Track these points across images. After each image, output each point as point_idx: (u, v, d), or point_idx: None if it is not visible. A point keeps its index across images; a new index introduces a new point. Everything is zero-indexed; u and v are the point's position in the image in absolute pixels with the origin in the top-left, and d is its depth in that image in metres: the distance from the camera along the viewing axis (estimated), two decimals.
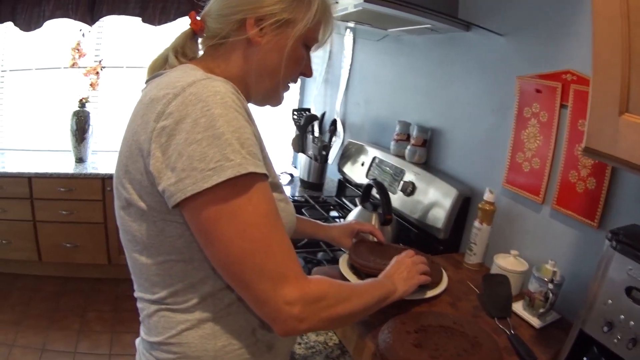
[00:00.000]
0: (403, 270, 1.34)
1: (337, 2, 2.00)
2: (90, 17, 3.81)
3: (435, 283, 1.50)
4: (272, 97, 1.17)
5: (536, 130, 1.62)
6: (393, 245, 1.70)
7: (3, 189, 3.68)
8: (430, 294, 1.46)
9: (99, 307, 3.63)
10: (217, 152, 0.84)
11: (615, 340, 0.95)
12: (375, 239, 1.67)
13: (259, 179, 0.89)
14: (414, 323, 1.23)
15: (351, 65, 3.08)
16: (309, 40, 1.12)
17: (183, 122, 0.86)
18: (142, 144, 0.91)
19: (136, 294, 1.08)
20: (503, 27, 1.78)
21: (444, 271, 1.60)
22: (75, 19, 3.84)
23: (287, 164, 3.83)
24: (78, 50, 3.85)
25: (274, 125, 4.00)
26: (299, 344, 1.34)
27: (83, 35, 3.88)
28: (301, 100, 3.90)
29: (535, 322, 1.41)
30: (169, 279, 0.99)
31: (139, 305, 1.07)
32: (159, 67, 1.12)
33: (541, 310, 1.40)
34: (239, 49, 1.08)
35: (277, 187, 1.07)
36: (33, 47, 4.25)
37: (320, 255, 1.96)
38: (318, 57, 3.57)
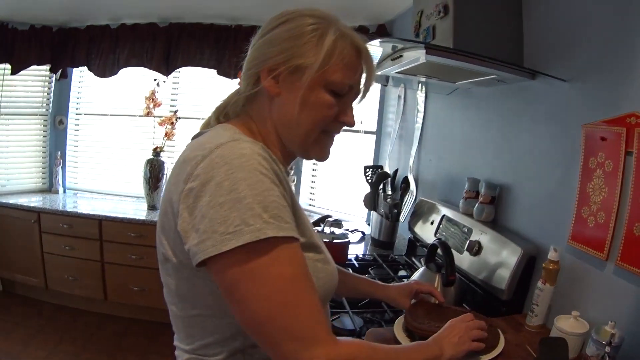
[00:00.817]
0: (455, 335, 1.29)
1: (401, 56, 2.03)
2: (165, 67, 4.02)
3: (490, 347, 1.42)
4: (309, 150, 1.14)
5: (601, 182, 1.53)
6: (452, 308, 1.65)
7: (73, 228, 3.92)
8: (483, 359, 1.38)
9: (162, 350, 3.66)
10: (237, 217, 0.85)
11: None
12: (436, 301, 1.62)
13: (284, 242, 0.90)
14: None
15: (423, 120, 3.07)
16: (333, 85, 1.06)
17: (208, 184, 0.88)
18: (174, 203, 0.94)
19: (174, 342, 1.13)
20: (567, 72, 1.72)
21: (501, 334, 1.51)
22: (150, 69, 4.06)
23: (361, 222, 3.82)
24: (153, 99, 4.01)
25: (350, 181, 4.04)
26: None
27: (158, 84, 4.06)
28: (376, 157, 3.90)
29: None
30: (201, 332, 1.03)
31: (176, 352, 1.12)
32: (205, 127, 1.17)
33: None
34: (264, 103, 1.10)
35: (313, 247, 1.08)
36: (110, 93, 4.53)
37: (379, 316, 1.91)
38: (392, 113, 3.60)
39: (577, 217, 1.63)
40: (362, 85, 1.14)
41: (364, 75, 1.13)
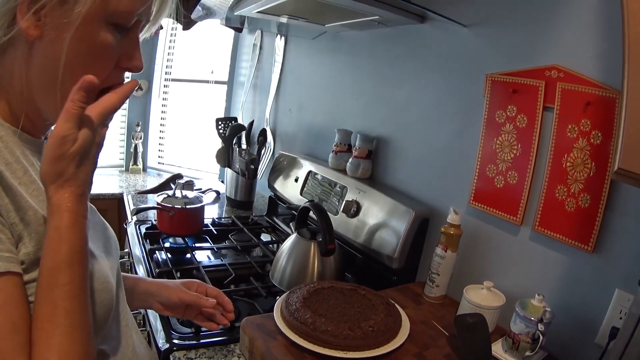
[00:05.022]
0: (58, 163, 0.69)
1: None
2: None
3: (395, 331, 1.19)
4: None
5: (512, 138, 1.34)
6: (338, 287, 1.37)
7: None
8: (392, 347, 1.15)
9: None
10: None
11: None
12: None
13: None
14: None
15: (282, 67, 2.74)
16: (116, 16, 0.72)
17: None
18: None
19: None
20: (467, 15, 1.49)
21: (403, 314, 1.29)
22: None
23: (214, 179, 3.45)
24: None
25: (200, 136, 3.64)
26: None
27: None
28: (228, 109, 3.52)
29: None
30: None
31: None
32: None
33: (527, 354, 1.14)
34: (20, 52, 0.73)
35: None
36: None
37: (249, 294, 1.61)
38: (246, 62, 3.23)
39: (481, 176, 1.44)
40: (152, 12, 0.79)
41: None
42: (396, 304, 1.32)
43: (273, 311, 1.24)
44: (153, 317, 1.40)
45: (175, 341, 1.27)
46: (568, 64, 1.20)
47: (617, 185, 1.10)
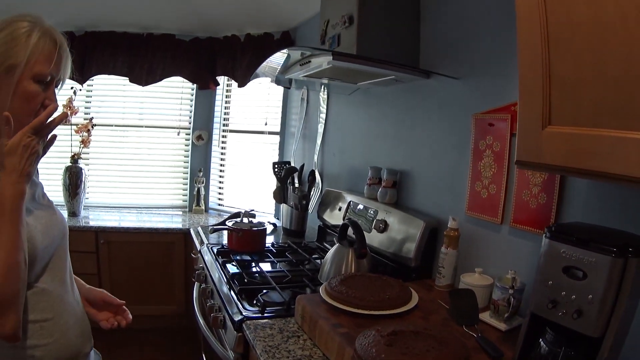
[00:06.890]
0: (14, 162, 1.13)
1: (309, 62, 2.17)
2: (80, 75, 3.89)
3: (405, 300, 1.61)
4: None
5: (491, 160, 1.76)
6: (367, 275, 1.81)
7: None
8: (402, 309, 1.56)
9: None
10: None
11: (560, 314, 1.06)
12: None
13: None
14: (386, 329, 1.31)
15: (326, 119, 3.25)
16: (37, 76, 1.17)
17: None
18: None
19: None
20: (458, 71, 1.95)
21: (413, 292, 1.69)
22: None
23: (270, 217, 3.91)
24: (70, 107, 3.89)
25: (256, 180, 4.15)
26: (287, 358, 1.41)
27: (74, 93, 3.91)
28: (281, 155, 4.03)
29: (502, 326, 1.50)
30: None
31: None
32: None
33: (506, 315, 1.49)
34: None
35: None
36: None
37: (302, 290, 2.03)
38: (295, 114, 3.76)
39: (472, 191, 1.86)
40: (61, 73, 1.25)
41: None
42: (409, 287, 1.73)
43: (319, 291, 1.68)
44: (227, 301, 1.85)
45: (245, 314, 1.71)
46: None
47: (565, 184, 1.49)
